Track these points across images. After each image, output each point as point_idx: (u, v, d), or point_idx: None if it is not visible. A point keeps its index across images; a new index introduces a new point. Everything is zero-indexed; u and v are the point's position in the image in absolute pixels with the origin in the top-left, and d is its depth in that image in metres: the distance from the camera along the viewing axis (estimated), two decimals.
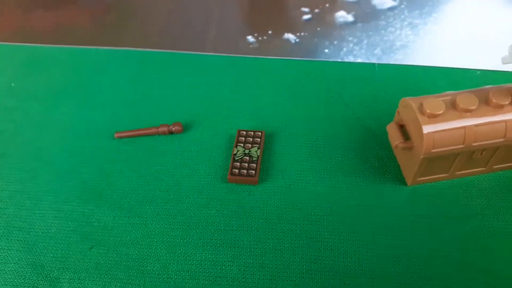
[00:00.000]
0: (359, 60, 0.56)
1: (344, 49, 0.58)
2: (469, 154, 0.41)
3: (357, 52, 0.57)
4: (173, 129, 0.44)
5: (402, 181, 0.43)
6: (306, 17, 0.62)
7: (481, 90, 0.41)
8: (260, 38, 0.60)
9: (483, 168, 0.44)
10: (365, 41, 0.59)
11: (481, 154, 0.42)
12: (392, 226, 0.41)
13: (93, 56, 0.54)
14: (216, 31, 0.61)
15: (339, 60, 0.55)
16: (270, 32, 0.61)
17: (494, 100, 0.39)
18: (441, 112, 0.39)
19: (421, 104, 0.40)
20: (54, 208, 0.39)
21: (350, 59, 0.56)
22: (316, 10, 0.63)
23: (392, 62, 0.56)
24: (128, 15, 0.65)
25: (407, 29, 0.59)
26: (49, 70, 0.51)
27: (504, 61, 0.39)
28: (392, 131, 0.42)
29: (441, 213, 0.41)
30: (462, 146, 0.40)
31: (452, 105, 0.40)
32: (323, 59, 0.54)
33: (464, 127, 0.39)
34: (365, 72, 0.52)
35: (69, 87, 0.49)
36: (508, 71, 0.51)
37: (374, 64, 0.53)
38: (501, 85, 0.42)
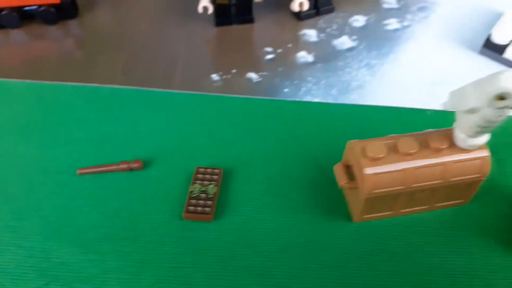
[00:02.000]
0: (316, 100, 0.59)
1: (303, 88, 0.61)
2: (410, 194, 0.44)
3: (315, 92, 0.60)
4: (133, 166, 0.45)
5: (350, 218, 0.46)
6: (269, 56, 0.66)
7: (421, 134, 0.44)
8: (224, 77, 0.63)
9: (426, 206, 0.47)
10: (323, 81, 0.62)
11: (422, 193, 0.45)
12: (338, 262, 0.42)
13: (60, 91, 0.54)
14: (182, 69, 0.63)
15: (298, 99, 0.59)
16: (234, 71, 0.64)
17: (432, 145, 0.43)
18: (382, 155, 0.42)
19: (364, 148, 0.43)
20: (14, 244, 0.39)
21: (308, 98, 0.60)
22: (279, 50, 0.66)
23: (347, 102, 0.59)
24: (96, 52, 0.67)
25: (364, 69, 0.63)
26: (13, 105, 0.52)
27: (445, 106, 0.43)
28: (338, 171, 0.45)
29: (385, 250, 0.44)
30: (402, 187, 0.43)
31: (394, 149, 0.43)
32: (282, 98, 0.56)
33: (404, 170, 0.42)
34: (321, 112, 0.55)
35: (33, 122, 0.49)
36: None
37: (329, 103, 0.56)
38: (441, 129, 0.45)
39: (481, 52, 0.66)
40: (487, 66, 0.64)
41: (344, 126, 0.44)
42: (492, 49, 0.64)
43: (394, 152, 0.43)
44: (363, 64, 0.63)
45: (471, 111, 0.39)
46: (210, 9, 0.68)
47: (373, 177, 0.42)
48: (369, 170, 0.42)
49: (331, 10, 0.72)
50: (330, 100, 0.59)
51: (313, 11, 0.71)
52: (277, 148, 0.51)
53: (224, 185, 0.48)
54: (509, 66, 0.64)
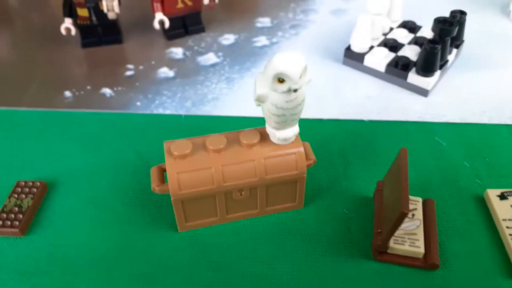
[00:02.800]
0: (167, 112, 0.58)
1: (157, 102, 0.59)
2: (226, 195, 0.42)
3: (168, 104, 0.59)
4: None
5: (176, 228, 0.43)
6: (128, 73, 0.64)
7: (234, 132, 0.43)
8: (77, 93, 0.61)
9: (256, 211, 0.45)
10: (178, 95, 0.61)
11: (240, 194, 0.43)
12: (152, 274, 0.40)
13: None
14: (36, 89, 0.61)
15: (148, 112, 0.57)
16: (88, 87, 0.62)
17: (243, 141, 0.41)
18: (188, 152, 0.40)
19: (170, 146, 0.41)
20: None
21: (160, 111, 0.58)
22: (140, 67, 0.65)
23: (199, 113, 0.58)
24: None
25: (223, 83, 0.62)
26: None
27: (256, 103, 0.42)
28: (153, 173, 0.43)
29: (206, 259, 0.41)
30: (213, 186, 0.41)
31: (202, 146, 0.41)
32: (132, 111, 0.55)
33: (211, 167, 0.40)
34: (171, 123, 0.54)
35: None
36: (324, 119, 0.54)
37: (181, 115, 0.55)
38: (258, 127, 0.44)
39: (344, 62, 0.66)
40: (349, 74, 0.64)
41: (189, 136, 0.42)
42: (353, 58, 0.64)
43: (202, 149, 0.41)
44: (223, 78, 0.63)
45: (260, 98, 0.38)
46: (73, 31, 0.67)
47: (178, 176, 0.40)
48: (172, 169, 0.40)
49: (201, 30, 0.72)
50: (182, 111, 0.57)
51: (181, 31, 0.71)
52: (113, 160, 0.50)
53: (48, 199, 0.46)
54: (368, 73, 0.65)
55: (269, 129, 0.43)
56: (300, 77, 0.38)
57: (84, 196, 0.48)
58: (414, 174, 0.51)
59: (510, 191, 0.47)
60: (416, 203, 0.46)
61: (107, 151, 0.54)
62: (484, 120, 0.58)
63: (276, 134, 0.42)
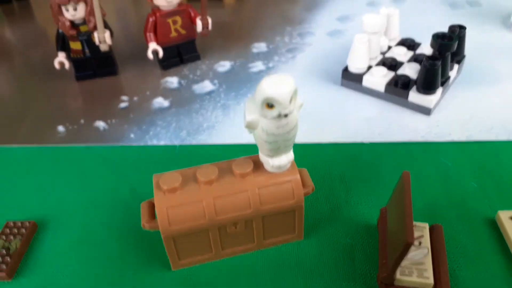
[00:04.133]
0: (162, 143, 0.56)
1: (151, 133, 0.58)
2: (221, 229, 0.40)
3: (162, 135, 0.57)
4: None
5: (169, 266, 0.41)
6: (123, 105, 0.63)
7: (227, 162, 0.41)
8: (70, 128, 0.60)
9: (253, 244, 0.42)
10: (173, 125, 0.59)
11: (235, 228, 0.40)
12: None
13: None
14: (29, 124, 0.61)
15: (142, 143, 0.56)
16: (82, 121, 0.61)
17: (236, 170, 0.39)
18: (177, 185, 0.38)
19: (159, 179, 0.39)
20: None
21: (154, 142, 0.56)
22: (135, 98, 0.64)
23: (194, 142, 0.57)
24: None
25: (218, 110, 0.61)
26: None
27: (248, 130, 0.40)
28: (143, 209, 0.41)
29: None
30: (205, 220, 0.38)
31: (193, 178, 0.40)
32: (126, 144, 0.53)
33: (202, 200, 0.38)
34: (165, 154, 0.53)
35: None
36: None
37: (175, 146, 0.54)
38: (251, 155, 0.42)
39: (342, 84, 0.65)
40: (348, 95, 0.63)
41: (183, 167, 0.40)
42: (351, 79, 0.63)
43: (193, 181, 0.39)
44: (219, 105, 0.61)
45: (250, 125, 0.36)
46: (67, 64, 0.66)
47: (167, 211, 0.38)
48: (161, 204, 0.38)
49: (196, 58, 0.71)
50: (176, 142, 0.56)
51: (176, 60, 0.70)
52: (106, 196, 0.48)
53: (37, 239, 0.44)
54: (368, 94, 0.63)
55: (262, 157, 0.41)
56: (291, 101, 0.36)
57: (75, 235, 0.47)
58: (420, 198, 0.48)
59: None
60: (422, 230, 0.43)
61: (100, 186, 0.52)
62: (492, 137, 0.55)
63: (270, 162, 0.40)
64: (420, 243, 0.42)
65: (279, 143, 0.38)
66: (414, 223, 0.44)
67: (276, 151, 0.39)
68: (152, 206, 0.43)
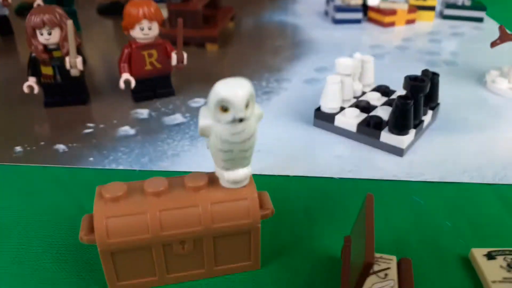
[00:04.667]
0: (120, 167, 0.54)
1: (111, 157, 0.55)
2: (166, 247, 0.36)
3: (123, 160, 0.54)
4: None
5: None
6: (87, 131, 0.60)
7: (180, 176, 0.38)
8: (28, 148, 0.57)
9: (202, 270, 0.38)
10: (136, 151, 0.56)
11: (183, 248, 0.37)
12: None
13: None
14: None
15: (100, 167, 0.53)
16: (42, 143, 0.58)
17: (188, 184, 0.36)
18: (121, 194, 0.35)
19: (102, 188, 0.36)
20: None
21: (113, 166, 0.54)
22: (101, 126, 0.61)
23: (155, 169, 0.54)
24: None
25: (186, 141, 0.58)
26: None
27: (207, 145, 0.38)
28: (83, 222, 0.37)
29: None
30: (148, 235, 0.35)
31: (140, 190, 0.36)
32: (84, 166, 0.51)
33: (147, 212, 0.35)
34: (123, 178, 0.49)
35: None
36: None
37: (135, 170, 0.51)
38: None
39: (315, 124, 0.63)
40: (319, 134, 0.61)
41: None
42: (323, 119, 0.61)
43: (139, 192, 0.36)
44: (187, 136, 0.59)
45: (203, 131, 0.33)
46: (36, 89, 0.64)
47: (106, 222, 0.34)
48: (100, 213, 0.35)
49: (171, 93, 0.70)
50: (136, 167, 0.53)
51: (150, 94, 0.69)
52: (51, 215, 0.44)
53: None
54: (339, 134, 0.62)
55: (218, 170, 0.38)
56: (247, 106, 0.34)
57: (11, 253, 0.42)
58: (388, 233, 0.45)
59: (499, 250, 0.41)
60: (389, 262, 0.39)
61: (47, 205, 0.48)
62: (465, 179, 0.54)
63: (225, 175, 0.38)
64: (386, 275, 0.38)
65: (235, 153, 0.36)
66: (380, 255, 0.40)
67: (231, 163, 0.37)
68: (91, 219, 0.39)
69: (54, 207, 0.48)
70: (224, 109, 0.33)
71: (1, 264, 0.41)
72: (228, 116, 0.33)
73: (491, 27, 1.12)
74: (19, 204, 0.48)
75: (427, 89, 0.58)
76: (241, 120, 0.33)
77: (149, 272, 0.38)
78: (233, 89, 0.33)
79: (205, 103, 0.35)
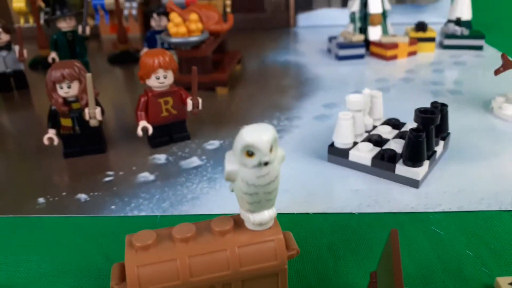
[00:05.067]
0: (142, 214, 0.55)
1: (132, 204, 0.56)
2: None
3: (144, 206, 0.55)
4: None
5: None
6: (107, 179, 0.62)
7: (206, 221, 0.39)
8: (51, 199, 0.58)
9: None
10: (157, 197, 0.58)
11: None
12: None
13: None
14: (10, 196, 0.59)
15: (123, 214, 0.54)
16: (64, 193, 0.60)
17: (215, 228, 0.37)
18: (150, 243, 0.36)
19: (132, 237, 0.37)
20: None
21: (135, 213, 0.54)
22: (121, 173, 0.63)
23: (177, 213, 0.55)
24: None
25: (204, 183, 0.60)
26: None
27: (230, 188, 0.39)
28: (113, 271, 0.38)
29: None
30: (178, 282, 0.35)
31: (168, 237, 0.37)
32: (105, 215, 0.52)
33: (176, 259, 0.36)
34: (145, 225, 0.51)
35: None
36: None
37: (156, 216, 0.52)
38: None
39: (329, 159, 0.65)
40: (335, 170, 0.62)
41: None
42: (337, 154, 0.63)
43: (168, 239, 0.37)
44: (205, 178, 0.60)
45: (230, 176, 0.35)
46: (56, 141, 0.67)
47: (138, 270, 0.35)
48: (132, 262, 0.35)
49: (186, 138, 0.72)
50: (158, 212, 0.54)
51: (166, 139, 0.71)
52: (77, 265, 0.46)
53: None
54: (354, 168, 0.63)
55: (243, 213, 0.39)
56: (271, 150, 0.36)
57: None
58: (412, 266, 0.45)
59: None
60: None
61: (72, 256, 0.49)
62: (483, 207, 0.54)
63: (251, 218, 0.38)
64: None
65: (260, 195, 0.37)
66: None
67: (257, 205, 0.38)
68: (123, 268, 0.40)
69: (80, 257, 0.48)
70: (250, 154, 0.34)
71: None
72: (254, 160, 0.35)
73: (491, 54, 1.15)
74: (45, 255, 0.49)
75: (438, 121, 0.59)
76: (266, 163, 0.35)
77: None
78: (258, 134, 0.34)
79: (231, 150, 0.36)
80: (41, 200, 0.59)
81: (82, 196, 0.59)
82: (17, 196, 0.60)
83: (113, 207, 0.56)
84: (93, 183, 0.62)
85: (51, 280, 0.46)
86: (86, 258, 0.48)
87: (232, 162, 0.37)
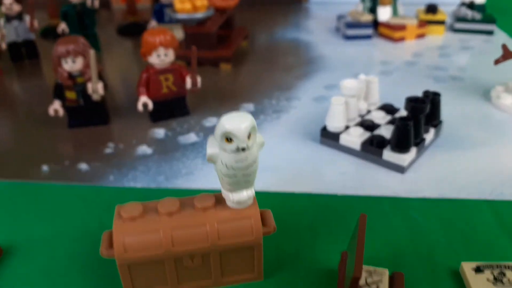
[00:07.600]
0: (138, 185, 0.58)
1: (129, 176, 0.59)
2: (177, 261, 0.40)
3: (140, 179, 0.59)
4: None
5: None
6: (108, 151, 0.65)
7: (190, 197, 0.42)
8: (54, 167, 0.61)
9: (210, 280, 0.42)
10: (153, 170, 0.61)
11: (192, 262, 0.40)
12: None
13: None
14: (17, 162, 0.63)
15: (119, 185, 0.57)
16: (67, 162, 0.63)
17: (197, 204, 0.40)
18: (137, 215, 0.39)
19: (120, 209, 0.40)
20: None
21: (131, 185, 0.58)
22: (121, 146, 0.66)
23: (170, 186, 0.58)
24: None
25: (199, 159, 0.62)
26: None
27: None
28: (104, 237, 0.41)
29: None
30: (161, 251, 0.39)
31: (154, 210, 0.40)
32: (103, 185, 0.55)
33: (160, 230, 0.39)
34: (138, 196, 0.54)
35: None
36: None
37: (151, 188, 0.55)
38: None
39: (321, 142, 0.67)
40: (325, 152, 0.64)
41: None
42: (329, 137, 0.65)
43: (154, 212, 0.40)
44: (201, 155, 0.63)
45: (211, 158, 0.38)
46: (61, 112, 0.70)
47: (124, 239, 0.38)
48: (119, 231, 0.39)
49: (186, 113, 0.75)
50: (153, 185, 0.57)
51: (166, 114, 0.74)
52: (75, 231, 0.49)
53: (1, 264, 0.45)
54: (344, 152, 0.65)
55: (224, 192, 0.42)
56: (249, 137, 0.38)
57: (39, 264, 0.47)
58: (386, 248, 0.47)
59: (486, 264, 0.43)
60: (381, 275, 0.42)
61: (71, 221, 0.53)
62: (463, 196, 0.56)
63: (230, 197, 0.41)
64: (377, 287, 0.41)
65: (238, 177, 0.40)
66: (374, 268, 0.43)
67: (236, 185, 0.40)
68: (110, 235, 0.43)
69: (77, 223, 0.52)
70: (229, 139, 0.37)
71: (31, 275, 0.45)
72: (232, 146, 0.37)
73: (501, 40, 1.13)
74: (45, 220, 0.53)
75: (427, 110, 0.61)
76: (243, 149, 0.37)
77: (162, 283, 0.42)
78: (237, 122, 0.37)
79: (213, 134, 0.38)
80: (45, 167, 0.62)
81: (83, 167, 0.62)
82: (22, 162, 0.64)
83: (111, 177, 0.60)
84: (94, 154, 0.65)
85: (49, 243, 0.49)
86: (82, 224, 0.52)
87: (213, 146, 0.40)
